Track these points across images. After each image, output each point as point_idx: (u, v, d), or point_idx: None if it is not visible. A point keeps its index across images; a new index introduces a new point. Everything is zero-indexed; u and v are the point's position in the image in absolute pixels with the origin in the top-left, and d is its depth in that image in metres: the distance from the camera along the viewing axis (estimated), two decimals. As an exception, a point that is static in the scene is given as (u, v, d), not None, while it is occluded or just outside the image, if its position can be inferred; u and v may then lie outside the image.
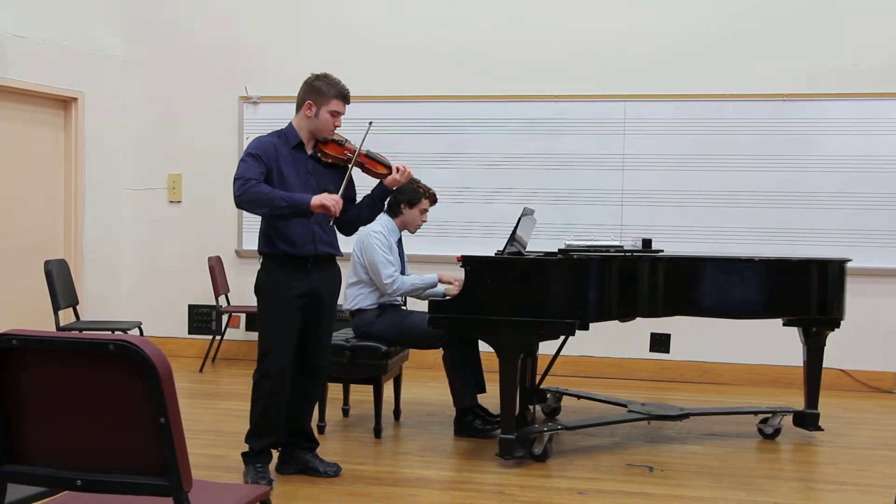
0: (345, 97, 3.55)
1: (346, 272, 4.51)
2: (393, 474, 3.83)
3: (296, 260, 3.49)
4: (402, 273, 4.61)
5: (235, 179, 3.37)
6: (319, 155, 3.57)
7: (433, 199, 4.50)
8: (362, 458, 4.03)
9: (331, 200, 3.33)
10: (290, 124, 3.58)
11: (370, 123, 3.58)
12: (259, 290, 3.57)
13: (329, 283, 3.64)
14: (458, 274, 4.06)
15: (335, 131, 3.59)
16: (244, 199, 3.35)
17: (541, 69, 6.21)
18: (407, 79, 6.33)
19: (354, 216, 3.72)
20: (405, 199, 4.51)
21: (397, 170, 3.60)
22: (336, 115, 3.53)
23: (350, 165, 3.55)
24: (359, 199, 3.75)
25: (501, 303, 3.84)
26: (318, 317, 3.61)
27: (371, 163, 3.62)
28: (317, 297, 3.57)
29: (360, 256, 4.45)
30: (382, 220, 4.53)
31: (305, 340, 3.59)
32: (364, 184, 3.73)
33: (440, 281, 4.52)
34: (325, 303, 3.62)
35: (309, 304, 3.55)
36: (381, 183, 3.66)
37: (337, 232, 3.70)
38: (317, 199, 3.33)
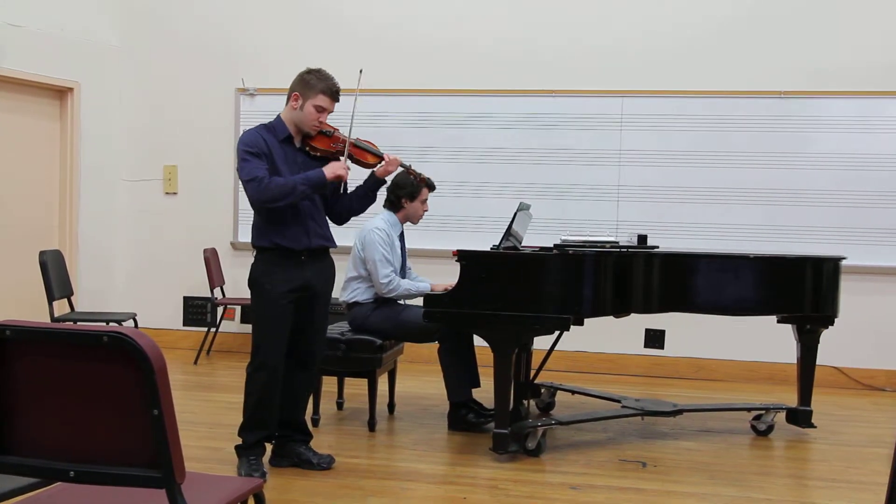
0: (333, 94, 3.50)
1: (346, 265, 4.52)
2: (386, 467, 3.84)
3: (290, 253, 3.48)
4: (404, 267, 4.61)
5: (248, 182, 3.35)
6: (308, 149, 3.56)
7: (431, 187, 4.47)
8: (356, 452, 4.03)
9: (342, 168, 3.46)
10: (279, 117, 3.57)
11: (360, 71, 3.58)
12: (253, 283, 3.56)
13: (323, 277, 3.63)
14: (454, 279, 4.04)
15: (324, 123, 3.56)
16: (267, 198, 3.35)
17: (538, 64, 6.20)
18: (404, 72, 6.32)
19: (346, 207, 3.71)
20: (405, 193, 4.49)
21: (386, 159, 3.59)
22: (321, 110, 3.49)
23: (341, 157, 3.54)
24: (351, 188, 3.74)
25: (496, 297, 3.84)
26: (313, 310, 3.60)
27: (360, 153, 3.60)
28: (311, 290, 3.56)
29: (361, 252, 4.44)
30: (384, 215, 4.52)
31: (299, 333, 3.58)
32: (357, 174, 3.72)
33: (432, 291, 4.48)
34: (320, 296, 3.62)
35: (303, 297, 3.54)
36: (372, 174, 3.66)
37: (330, 223, 3.70)
38: (328, 170, 3.43)
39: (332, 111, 3.55)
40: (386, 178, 3.70)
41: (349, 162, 3.60)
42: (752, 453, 4.20)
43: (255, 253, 3.58)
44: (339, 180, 3.47)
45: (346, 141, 3.56)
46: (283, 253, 3.48)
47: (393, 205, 4.55)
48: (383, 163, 3.60)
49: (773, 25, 5.95)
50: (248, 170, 3.37)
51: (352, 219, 3.78)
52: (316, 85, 3.47)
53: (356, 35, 6.39)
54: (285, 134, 3.52)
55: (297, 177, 3.40)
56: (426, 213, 4.64)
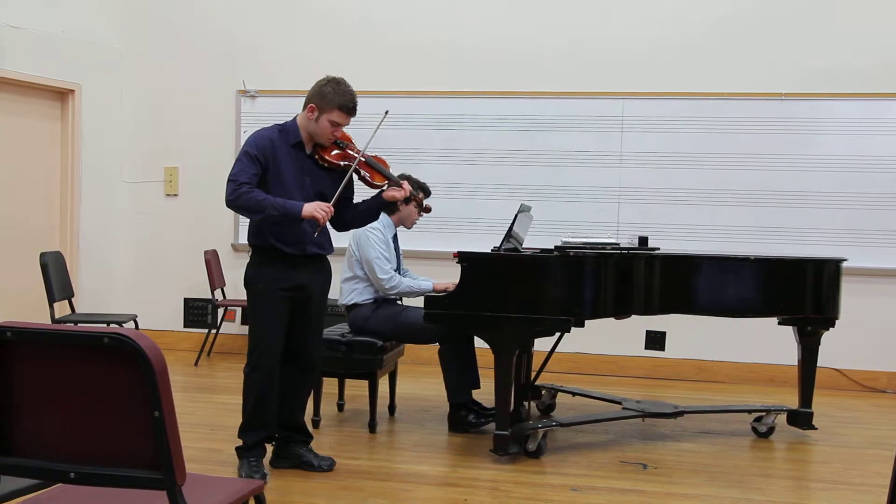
0: (350, 110, 3.48)
1: (341, 267, 4.52)
2: (387, 469, 3.84)
3: (285, 254, 3.48)
4: (399, 269, 4.61)
5: (229, 181, 3.38)
6: (317, 157, 3.55)
7: (427, 210, 4.44)
8: (357, 453, 4.03)
9: (321, 211, 3.34)
10: (294, 120, 3.56)
11: (386, 112, 3.56)
12: (247, 283, 3.57)
13: (317, 278, 3.63)
14: (455, 279, 4.04)
15: (340, 135, 3.55)
16: (236, 205, 3.38)
17: (539, 65, 6.20)
18: (405, 74, 6.32)
19: (349, 218, 3.70)
20: None
21: (399, 186, 3.58)
22: (336, 125, 3.48)
23: (350, 172, 3.52)
24: (356, 199, 3.74)
25: (497, 299, 3.84)
26: (308, 311, 3.60)
27: (369, 171, 3.57)
28: (305, 291, 3.56)
29: (356, 252, 4.44)
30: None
31: (296, 336, 3.58)
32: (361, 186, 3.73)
33: (434, 290, 4.48)
34: (314, 297, 3.61)
35: (297, 298, 3.54)
36: (380, 195, 3.64)
37: (330, 230, 3.68)
38: (307, 209, 3.34)
39: (348, 124, 3.53)
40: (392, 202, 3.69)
41: (356, 178, 3.58)
42: (753, 455, 4.20)
43: (250, 252, 3.59)
44: (314, 220, 3.35)
45: (357, 157, 3.54)
46: (277, 253, 3.48)
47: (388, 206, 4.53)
48: (395, 189, 3.57)
49: (774, 27, 5.95)
50: (235, 169, 3.40)
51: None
52: (333, 100, 3.44)
53: (357, 36, 6.39)
54: (297, 139, 3.52)
55: (276, 200, 3.36)
56: (420, 218, 4.62)
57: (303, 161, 3.53)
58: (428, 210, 3.99)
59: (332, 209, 3.39)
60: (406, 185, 3.61)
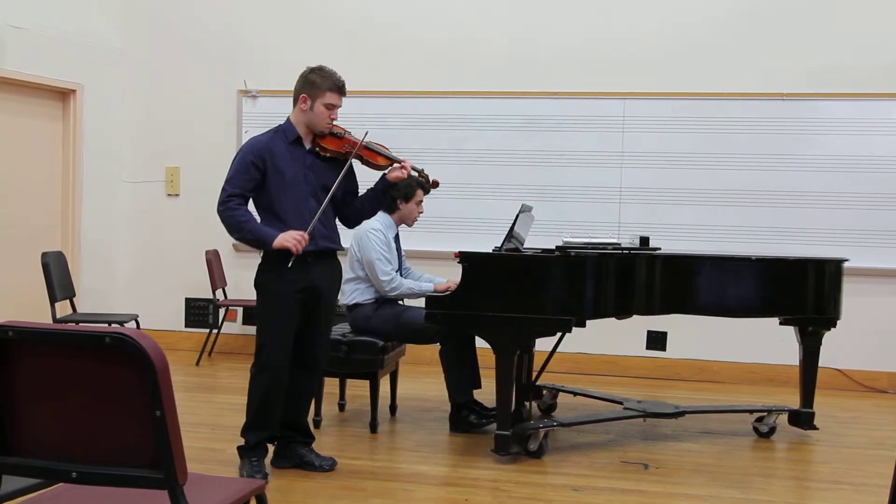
0: (340, 89, 3.52)
1: (344, 267, 4.51)
2: (388, 469, 3.84)
3: (298, 255, 3.48)
4: (400, 268, 4.61)
5: (223, 187, 3.44)
6: (318, 149, 3.56)
7: (426, 189, 4.45)
8: (358, 453, 4.03)
9: (293, 241, 3.37)
10: (288, 119, 3.58)
11: (366, 133, 3.59)
12: (258, 284, 3.56)
13: (329, 278, 3.64)
14: (456, 279, 4.04)
15: (334, 123, 3.58)
16: (221, 218, 3.46)
17: (540, 65, 6.20)
18: (406, 74, 6.32)
19: (357, 209, 3.73)
20: (400, 194, 4.49)
21: (399, 164, 3.60)
22: (331, 107, 3.51)
23: (349, 159, 3.55)
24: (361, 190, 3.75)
25: (498, 299, 3.84)
26: (318, 311, 3.61)
27: (371, 155, 3.61)
28: (316, 291, 3.57)
29: (358, 253, 4.44)
30: (380, 216, 4.49)
31: (304, 335, 3.58)
32: (365, 176, 3.73)
33: (435, 292, 4.47)
34: (325, 298, 3.62)
35: (308, 298, 3.54)
36: (383, 177, 3.66)
37: (338, 226, 3.70)
38: (279, 239, 3.38)
39: (342, 105, 3.56)
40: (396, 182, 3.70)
41: (360, 163, 3.60)
42: (755, 455, 4.20)
43: (261, 254, 3.59)
44: (286, 250, 3.38)
45: (358, 143, 3.56)
46: (289, 254, 3.48)
47: (388, 206, 4.54)
48: (395, 166, 3.60)
49: (775, 27, 5.95)
50: (229, 174, 3.47)
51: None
52: (322, 84, 3.49)
53: (357, 36, 6.39)
54: (294, 136, 3.53)
55: (254, 227, 3.43)
56: (421, 214, 4.63)
57: (304, 156, 3.55)
58: (436, 185, 3.96)
59: (307, 238, 3.41)
60: (406, 162, 3.62)
